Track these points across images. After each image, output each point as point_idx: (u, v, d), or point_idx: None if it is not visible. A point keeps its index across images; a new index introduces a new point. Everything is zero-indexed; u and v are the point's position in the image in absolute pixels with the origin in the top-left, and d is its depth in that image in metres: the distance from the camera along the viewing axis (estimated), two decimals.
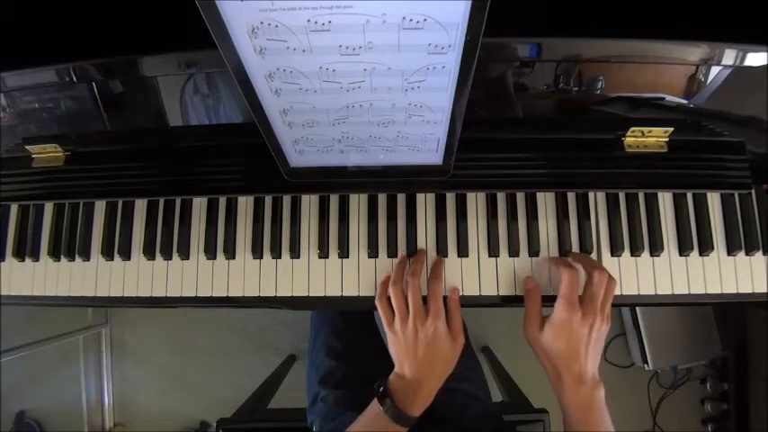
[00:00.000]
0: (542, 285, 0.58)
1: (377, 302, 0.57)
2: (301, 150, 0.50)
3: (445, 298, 0.57)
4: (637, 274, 0.59)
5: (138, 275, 0.63)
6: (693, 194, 0.60)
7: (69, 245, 0.65)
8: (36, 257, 0.66)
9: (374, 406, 0.54)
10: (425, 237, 0.61)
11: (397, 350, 0.55)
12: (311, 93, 0.40)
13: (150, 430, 1.55)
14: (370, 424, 0.53)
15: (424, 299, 0.56)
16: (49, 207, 0.67)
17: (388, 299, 0.56)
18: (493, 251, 0.60)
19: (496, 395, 1.02)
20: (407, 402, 0.52)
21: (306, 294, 0.61)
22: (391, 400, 0.52)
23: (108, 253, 0.64)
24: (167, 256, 0.63)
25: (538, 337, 0.53)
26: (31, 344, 1.40)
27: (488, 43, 0.38)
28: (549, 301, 0.55)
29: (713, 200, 0.61)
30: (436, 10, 0.32)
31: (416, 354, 0.53)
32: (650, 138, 0.57)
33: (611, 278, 0.53)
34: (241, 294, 0.61)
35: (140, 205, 0.65)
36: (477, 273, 0.60)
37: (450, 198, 0.61)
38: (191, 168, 0.62)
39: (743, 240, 0.59)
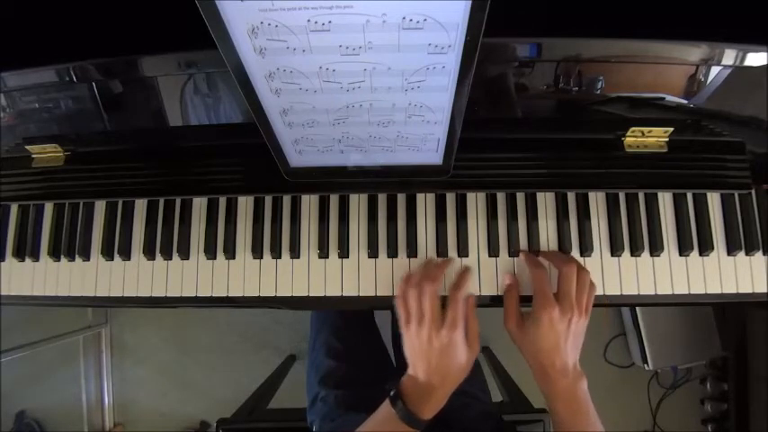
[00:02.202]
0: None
1: (396, 301, 0.56)
2: (301, 150, 0.50)
3: None
4: (637, 274, 0.59)
5: (138, 275, 0.63)
6: (693, 194, 0.60)
7: (69, 245, 0.65)
8: (36, 257, 0.66)
9: (385, 407, 0.54)
10: (425, 237, 0.61)
11: (411, 352, 0.54)
12: (311, 93, 0.40)
13: (150, 430, 1.54)
14: (380, 425, 0.53)
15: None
16: (49, 207, 0.67)
17: None
18: (493, 251, 0.60)
19: (496, 395, 1.02)
20: (419, 405, 0.52)
21: (306, 294, 0.61)
22: (403, 402, 0.52)
23: (108, 253, 0.64)
24: (167, 256, 0.63)
25: (518, 333, 0.54)
26: (31, 344, 1.40)
27: (488, 43, 0.38)
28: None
29: (713, 200, 0.61)
30: (436, 10, 0.32)
31: (430, 361, 0.52)
32: (650, 138, 0.57)
33: (582, 270, 0.54)
34: (241, 294, 0.61)
35: (140, 205, 0.65)
36: (477, 273, 0.60)
37: (450, 198, 0.61)
38: (191, 168, 0.62)
39: (743, 240, 0.59)
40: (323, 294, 0.61)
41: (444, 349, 0.52)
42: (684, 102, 0.54)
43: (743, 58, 0.47)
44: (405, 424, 0.52)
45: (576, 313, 0.52)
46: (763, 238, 0.59)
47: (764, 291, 0.58)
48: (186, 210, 0.64)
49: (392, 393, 0.54)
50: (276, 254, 0.62)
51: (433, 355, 0.52)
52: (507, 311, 0.56)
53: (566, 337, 0.52)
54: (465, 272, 0.58)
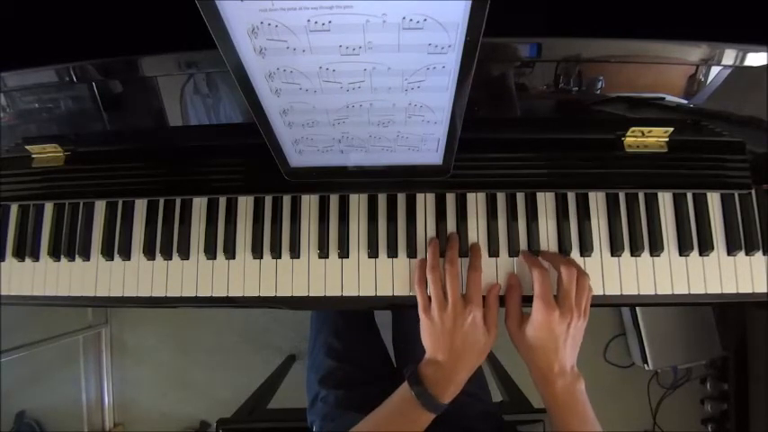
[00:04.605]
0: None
1: (415, 286, 0.57)
2: (301, 150, 0.50)
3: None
4: (637, 274, 0.59)
5: (138, 275, 0.63)
6: (693, 194, 0.60)
7: (69, 245, 0.65)
8: (36, 257, 0.66)
9: (403, 391, 0.53)
10: (425, 237, 0.61)
11: (432, 337, 0.54)
12: (311, 93, 0.40)
13: (150, 430, 1.54)
14: (396, 410, 0.53)
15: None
16: (49, 207, 0.67)
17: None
18: (493, 251, 0.60)
19: (496, 395, 1.02)
20: (439, 389, 0.52)
21: (306, 294, 0.61)
22: (424, 385, 0.52)
23: (108, 253, 0.64)
24: (167, 256, 0.63)
25: (518, 335, 0.55)
26: (31, 344, 1.40)
27: (488, 43, 0.38)
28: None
29: (713, 200, 0.61)
30: (436, 10, 0.32)
31: (453, 341, 0.53)
32: (650, 138, 0.57)
33: (581, 274, 0.54)
34: (241, 294, 0.61)
35: (140, 205, 0.65)
36: None
37: (450, 198, 0.61)
38: (191, 168, 0.62)
39: (743, 240, 0.59)
40: (323, 294, 0.61)
41: (468, 329, 0.53)
42: (684, 102, 0.54)
43: (743, 58, 0.47)
44: (424, 408, 0.51)
45: (576, 316, 0.53)
46: (763, 238, 0.59)
47: (764, 291, 0.58)
48: (186, 210, 0.64)
49: (412, 376, 0.53)
50: (276, 254, 0.62)
51: (457, 335, 0.53)
52: (509, 311, 0.57)
53: (564, 339, 0.52)
54: (476, 251, 0.59)
